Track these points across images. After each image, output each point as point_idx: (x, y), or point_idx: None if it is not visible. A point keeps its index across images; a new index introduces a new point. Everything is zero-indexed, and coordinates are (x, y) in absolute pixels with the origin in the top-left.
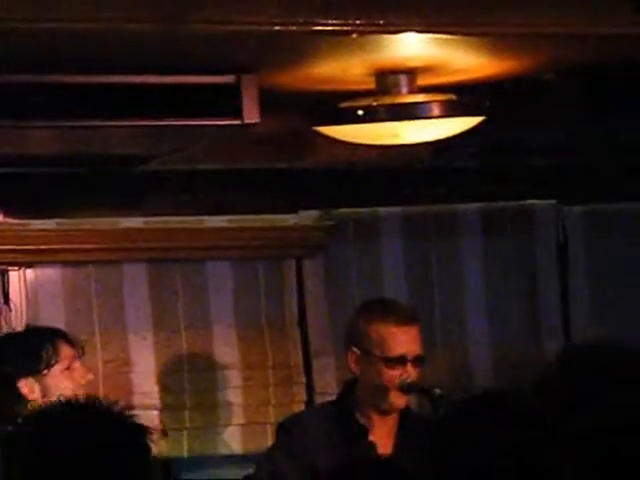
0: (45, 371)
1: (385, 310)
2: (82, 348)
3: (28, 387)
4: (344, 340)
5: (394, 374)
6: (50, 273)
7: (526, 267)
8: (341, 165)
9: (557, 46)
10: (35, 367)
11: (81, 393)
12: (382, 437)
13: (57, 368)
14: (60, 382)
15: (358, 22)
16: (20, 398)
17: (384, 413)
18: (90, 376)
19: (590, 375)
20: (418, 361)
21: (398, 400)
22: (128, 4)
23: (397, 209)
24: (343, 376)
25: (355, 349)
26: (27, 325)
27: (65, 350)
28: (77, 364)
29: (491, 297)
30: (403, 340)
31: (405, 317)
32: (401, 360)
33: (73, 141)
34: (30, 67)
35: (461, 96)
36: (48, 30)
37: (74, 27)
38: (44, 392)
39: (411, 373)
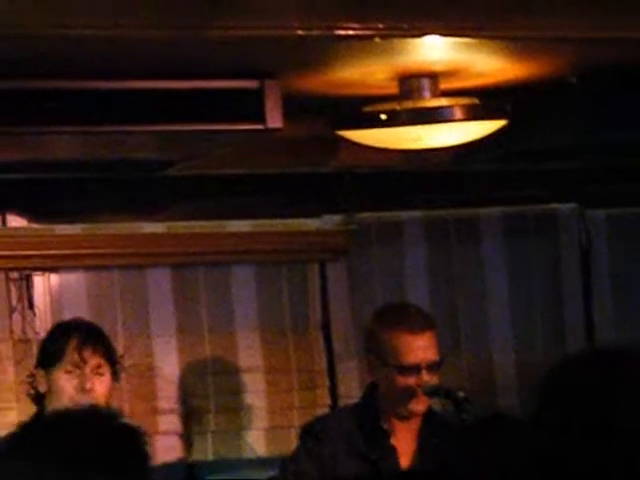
0: (51, 368)
1: (398, 317)
2: (118, 364)
3: (39, 379)
4: (363, 345)
5: (409, 382)
6: (74, 278)
7: (549, 271)
8: (364, 170)
9: (578, 49)
10: (46, 361)
11: (83, 400)
12: (404, 441)
13: (60, 368)
14: (60, 383)
15: (381, 26)
16: (37, 390)
17: (404, 418)
18: (86, 387)
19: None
20: (433, 367)
21: (417, 406)
22: (151, 10)
23: (419, 213)
24: (366, 380)
25: (371, 356)
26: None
27: (72, 353)
28: (86, 370)
29: (514, 301)
30: (417, 347)
31: (418, 324)
32: (415, 368)
33: (96, 146)
34: (54, 73)
35: (484, 100)
36: (71, 36)
37: (97, 34)
38: (49, 388)
39: (426, 380)
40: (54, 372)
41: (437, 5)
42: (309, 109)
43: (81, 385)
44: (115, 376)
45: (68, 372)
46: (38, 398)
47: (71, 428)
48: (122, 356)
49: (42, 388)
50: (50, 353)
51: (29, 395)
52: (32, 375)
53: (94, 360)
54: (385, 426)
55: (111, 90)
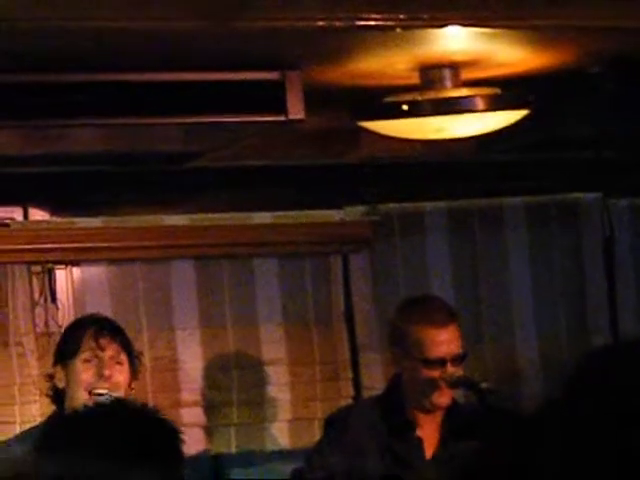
0: (68, 361)
1: (422, 311)
2: (137, 356)
3: (58, 375)
4: (387, 338)
5: (433, 374)
6: (97, 271)
7: (572, 261)
8: (386, 160)
9: (601, 39)
10: (63, 356)
11: (104, 388)
12: (429, 432)
13: (78, 358)
14: (79, 373)
15: (402, 17)
16: (56, 388)
17: (428, 411)
18: (106, 373)
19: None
20: (458, 360)
21: (440, 399)
22: (172, 3)
23: (442, 204)
24: (390, 371)
25: (394, 348)
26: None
27: (89, 342)
28: (105, 358)
29: (537, 291)
30: (441, 341)
31: (442, 318)
32: (440, 361)
33: (118, 139)
34: (76, 65)
35: (505, 90)
36: (94, 29)
37: (120, 25)
38: (67, 382)
39: (450, 372)
40: (72, 364)
41: None
42: (331, 100)
43: (99, 372)
44: (133, 371)
45: (86, 361)
46: (57, 395)
47: (106, 422)
48: (141, 353)
49: (61, 384)
50: (67, 346)
51: (47, 395)
52: (50, 375)
53: (112, 347)
54: (411, 418)
55: (134, 82)
